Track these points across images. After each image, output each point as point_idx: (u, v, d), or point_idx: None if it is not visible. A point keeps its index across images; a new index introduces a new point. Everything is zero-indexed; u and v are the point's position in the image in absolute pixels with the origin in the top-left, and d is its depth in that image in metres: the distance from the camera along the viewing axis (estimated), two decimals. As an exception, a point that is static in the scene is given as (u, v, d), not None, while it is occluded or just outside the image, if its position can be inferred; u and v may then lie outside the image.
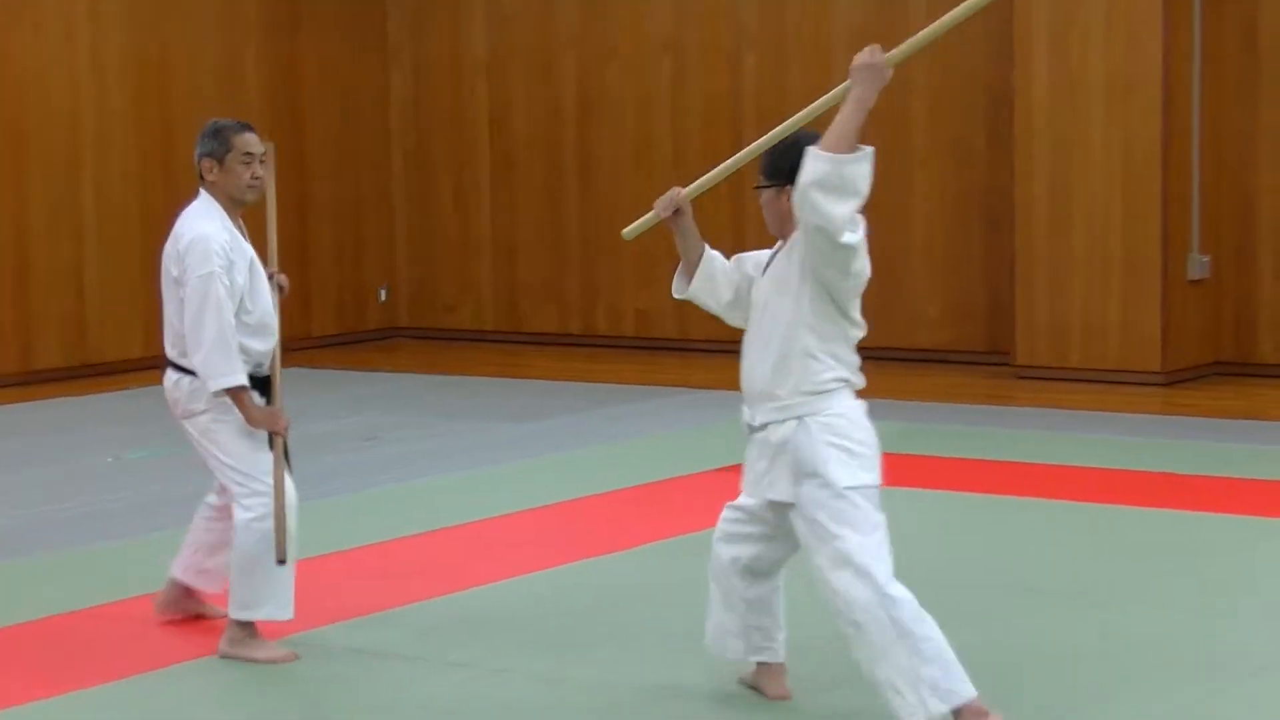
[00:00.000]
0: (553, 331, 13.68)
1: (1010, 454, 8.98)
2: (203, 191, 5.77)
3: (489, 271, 13.98)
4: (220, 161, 5.72)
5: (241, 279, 5.61)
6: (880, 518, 4.64)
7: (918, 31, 4.89)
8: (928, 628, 4.58)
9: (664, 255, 13.28)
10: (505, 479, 8.26)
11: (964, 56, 12.23)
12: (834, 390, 4.66)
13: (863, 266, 4.64)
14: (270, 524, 5.50)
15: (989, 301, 12.29)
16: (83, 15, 12.36)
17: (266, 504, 5.51)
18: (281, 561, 5.50)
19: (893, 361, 12.27)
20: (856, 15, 12.70)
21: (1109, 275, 11.39)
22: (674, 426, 9.73)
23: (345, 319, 13.98)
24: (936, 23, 4.88)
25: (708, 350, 12.73)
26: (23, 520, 7.45)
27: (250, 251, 5.72)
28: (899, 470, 8.49)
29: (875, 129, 13.37)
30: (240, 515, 5.53)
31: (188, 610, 5.95)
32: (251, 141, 5.73)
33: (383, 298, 14.24)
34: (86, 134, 12.43)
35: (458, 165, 14.27)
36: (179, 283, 5.58)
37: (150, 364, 12.53)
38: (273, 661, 5.41)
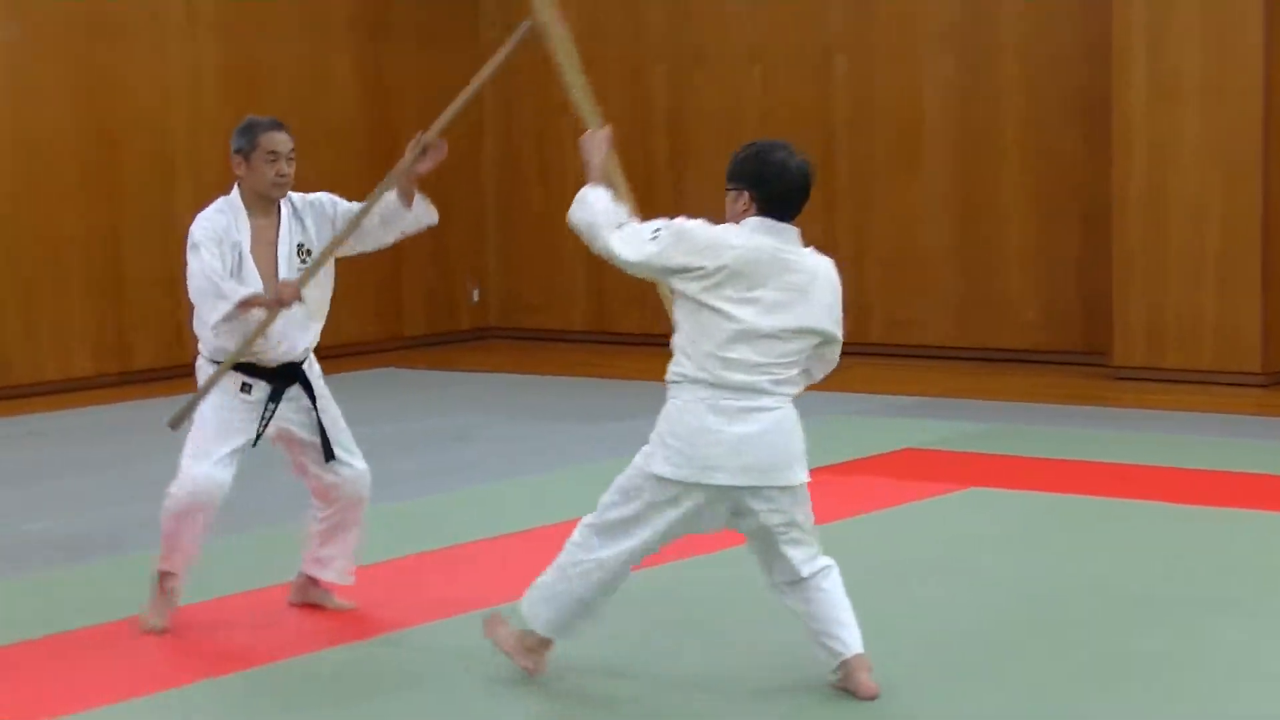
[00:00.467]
0: (640, 332, 13.67)
1: (1106, 455, 8.87)
2: (234, 187, 5.87)
3: (579, 273, 13.98)
4: (247, 158, 5.80)
5: (229, 263, 5.73)
6: (629, 509, 4.95)
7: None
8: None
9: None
10: (597, 477, 8.19)
11: (1058, 58, 12.13)
12: (675, 384, 4.93)
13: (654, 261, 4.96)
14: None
15: (1084, 302, 12.16)
16: (176, 24, 12.47)
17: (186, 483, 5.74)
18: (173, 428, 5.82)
19: (987, 361, 12.19)
20: (945, 17, 12.61)
21: (1206, 276, 11.24)
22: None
23: (437, 320, 14.03)
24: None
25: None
26: (127, 515, 7.53)
27: (244, 245, 5.77)
28: (993, 471, 8.50)
29: (968, 132, 13.25)
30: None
31: (311, 599, 6.06)
32: (278, 140, 5.82)
33: (475, 298, 14.30)
34: (178, 142, 12.54)
35: (547, 169, 14.29)
36: None
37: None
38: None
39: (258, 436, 5.86)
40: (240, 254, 5.77)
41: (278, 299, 5.71)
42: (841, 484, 8.19)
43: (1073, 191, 12.22)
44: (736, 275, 4.90)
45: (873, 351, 12.71)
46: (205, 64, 12.65)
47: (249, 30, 12.92)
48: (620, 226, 5.12)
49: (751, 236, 4.94)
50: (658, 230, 5.00)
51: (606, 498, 5.06)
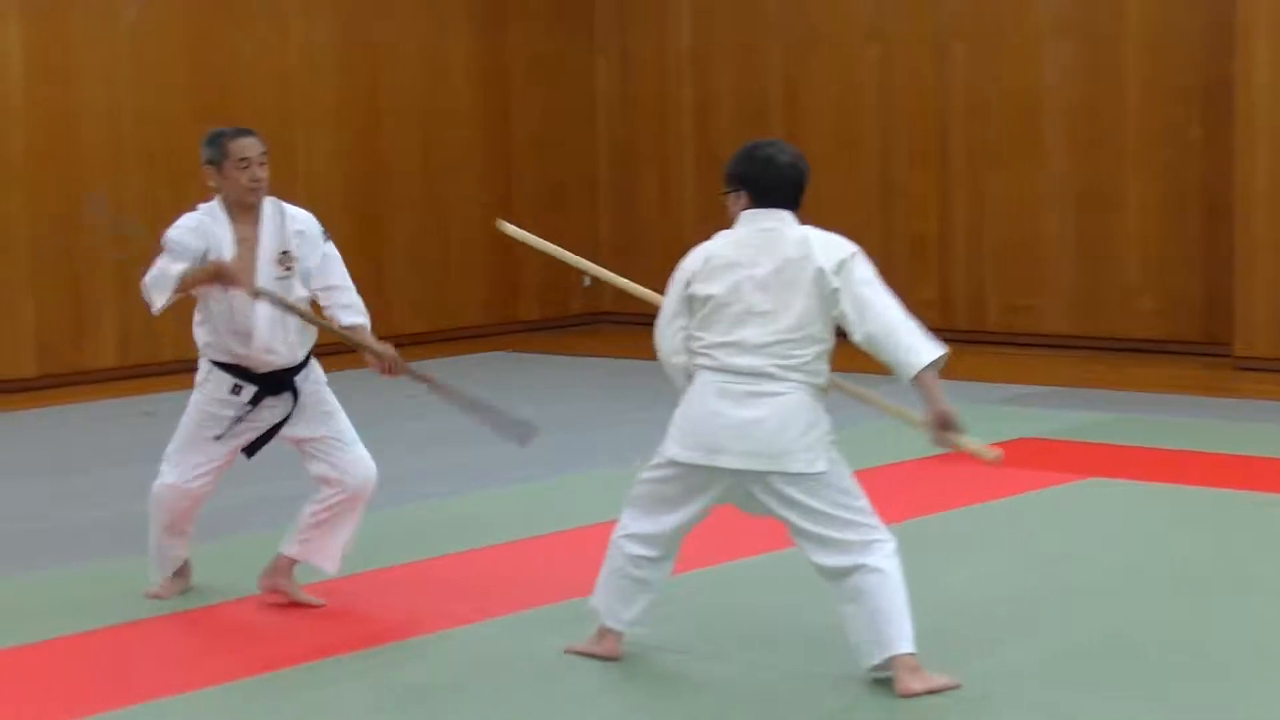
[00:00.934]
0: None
1: (1227, 446, 8.72)
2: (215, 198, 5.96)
3: (692, 260, 13.94)
4: (219, 168, 5.90)
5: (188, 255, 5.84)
6: (648, 476, 5.08)
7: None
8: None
9: (885, 252, 13.17)
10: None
11: (1179, 47, 11.94)
12: (692, 374, 5.02)
13: None
14: None
15: (1205, 291, 11.97)
16: (294, 10, 12.57)
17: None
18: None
19: (1105, 351, 12.04)
20: (1064, 3, 12.45)
21: (1332, 265, 11.05)
22: (875, 415, 9.64)
23: (550, 305, 14.06)
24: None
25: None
26: (230, 499, 7.58)
27: (224, 251, 5.85)
28: (1112, 461, 8.38)
29: (1087, 119, 13.07)
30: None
31: (280, 587, 5.96)
32: (247, 145, 5.91)
33: (587, 283, 14.30)
34: (296, 129, 12.63)
35: (662, 157, 14.26)
36: None
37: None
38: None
39: (252, 449, 5.95)
40: (208, 259, 5.84)
41: (233, 276, 5.76)
42: (957, 474, 8.11)
43: (1193, 179, 12.03)
44: (728, 263, 4.96)
45: (989, 340, 12.59)
46: (322, 46, 12.73)
47: (366, 13, 12.99)
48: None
49: (733, 230, 5.04)
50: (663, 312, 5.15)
51: (639, 476, 5.15)
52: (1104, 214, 12.37)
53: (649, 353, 5.34)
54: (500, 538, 6.92)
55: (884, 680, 4.94)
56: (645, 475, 5.14)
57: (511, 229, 6.02)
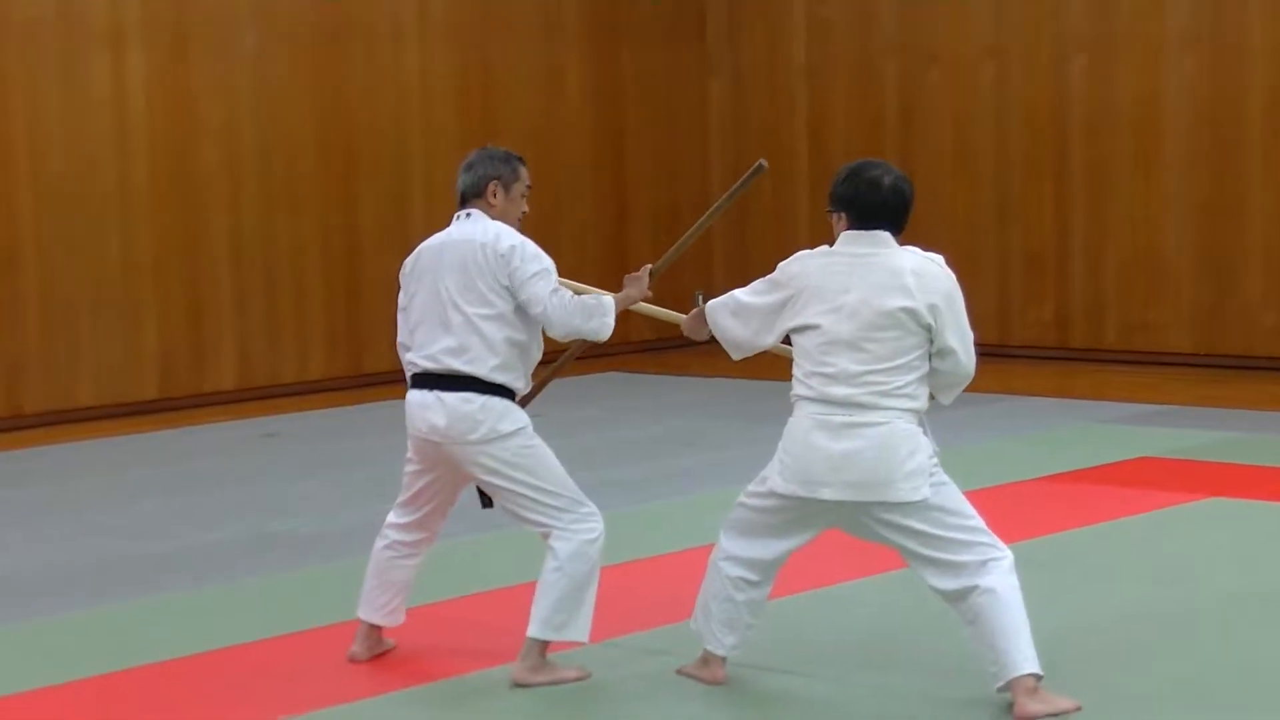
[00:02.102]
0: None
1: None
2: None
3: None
4: (507, 189, 5.57)
5: None
6: (750, 502, 5.08)
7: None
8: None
9: (1001, 269, 13.04)
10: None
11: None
12: (794, 402, 5.01)
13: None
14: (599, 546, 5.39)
15: (1332, 307, 11.77)
16: (410, 31, 12.68)
17: (600, 524, 5.39)
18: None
19: (1227, 369, 11.85)
20: (1187, 15, 12.28)
21: None
22: (992, 434, 9.56)
23: (662, 325, 14.01)
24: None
25: (1028, 356, 12.50)
26: (356, 519, 7.65)
27: None
28: (1234, 481, 8.24)
29: (1210, 133, 12.87)
30: (573, 540, 5.33)
31: (379, 649, 5.66)
32: (527, 175, 5.64)
33: (699, 301, 14.26)
34: (414, 148, 12.74)
35: (776, 173, 14.20)
36: (510, 289, 5.37)
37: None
38: (578, 680, 5.32)
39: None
40: None
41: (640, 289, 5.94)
42: (1076, 493, 8.04)
43: (1319, 193, 11.83)
44: (821, 290, 4.94)
45: (1108, 358, 12.44)
46: (439, 70, 12.83)
47: (482, 35, 13.08)
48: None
49: (830, 251, 5.01)
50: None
51: (739, 499, 5.15)
52: (1226, 228, 12.19)
53: (761, 372, 5.35)
54: (617, 558, 6.90)
55: (1006, 701, 4.88)
56: (746, 500, 5.12)
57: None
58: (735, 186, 5.77)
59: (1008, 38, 13.03)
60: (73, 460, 9.80)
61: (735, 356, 5.31)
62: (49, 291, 10.92)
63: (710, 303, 5.31)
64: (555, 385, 6.25)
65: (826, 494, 4.88)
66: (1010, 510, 7.37)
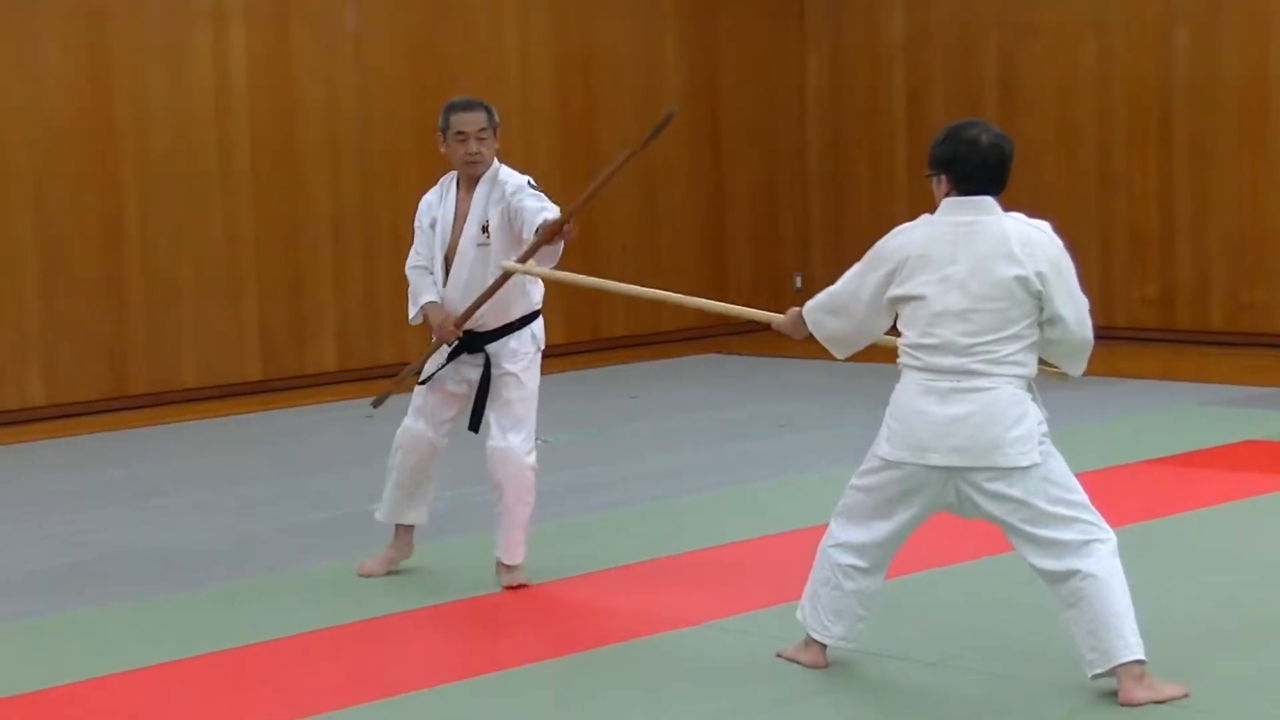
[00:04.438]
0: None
1: None
2: None
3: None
4: (444, 138, 6.23)
5: (428, 234, 6.25)
6: (859, 483, 5.02)
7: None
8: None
9: (1103, 247, 12.90)
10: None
11: None
12: (901, 369, 4.97)
13: None
14: None
15: None
16: (510, 10, 12.70)
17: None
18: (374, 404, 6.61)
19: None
20: (1296, -14, 12.09)
21: None
22: (1094, 416, 9.47)
23: (759, 303, 13.94)
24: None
25: (1131, 338, 12.37)
26: (459, 499, 7.70)
27: (449, 216, 6.22)
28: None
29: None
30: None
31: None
32: (466, 120, 6.17)
33: (798, 285, 14.25)
34: (513, 127, 12.75)
35: (874, 150, 14.15)
36: None
37: (573, 349, 12.84)
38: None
39: (428, 376, 6.27)
40: (438, 232, 6.22)
41: (438, 333, 6.20)
42: (1179, 476, 7.95)
43: None
44: (925, 260, 4.87)
45: (1213, 340, 12.28)
46: (537, 46, 12.85)
47: (580, 11, 13.09)
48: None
49: (932, 220, 4.93)
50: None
51: (849, 483, 5.09)
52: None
53: (860, 355, 5.29)
54: (715, 540, 6.93)
55: (1108, 688, 4.84)
56: (856, 482, 5.08)
57: (519, 266, 6.04)
58: (647, 135, 5.94)
59: (1111, 10, 12.86)
60: (177, 440, 9.93)
61: (841, 355, 5.21)
62: (152, 272, 11.05)
63: (807, 305, 5.22)
64: (651, 367, 6.26)
65: (935, 459, 4.83)
66: (1111, 494, 7.27)
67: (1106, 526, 4.87)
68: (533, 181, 6.21)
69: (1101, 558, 4.79)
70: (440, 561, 6.64)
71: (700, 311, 6.84)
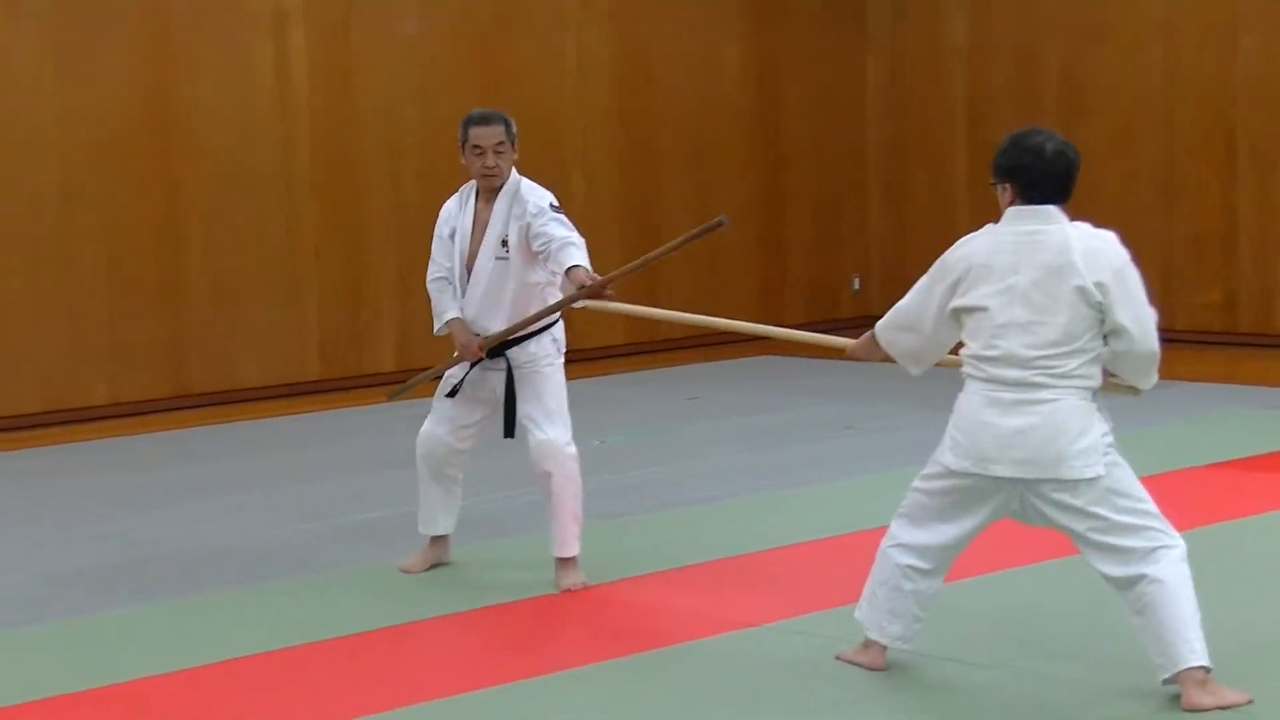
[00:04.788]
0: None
1: None
2: None
3: (966, 262, 13.75)
4: (462, 151, 6.35)
5: (448, 243, 6.38)
6: (922, 486, 5.01)
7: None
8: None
9: (1166, 252, 12.81)
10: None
11: None
12: (965, 378, 4.95)
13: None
14: None
15: None
16: (570, 14, 12.72)
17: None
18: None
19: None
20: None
21: None
22: (1155, 420, 9.39)
23: (817, 308, 14.00)
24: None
25: (1191, 341, 12.27)
26: (515, 501, 7.71)
27: (467, 226, 6.35)
28: None
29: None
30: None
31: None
32: (481, 135, 6.30)
33: (855, 287, 14.21)
34: (572, 133, 12.78)
35: (935, 155, 14.09)
36: None
37: (632, 350, 12.85)
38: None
39: (507, 429, 6.34)
40: (457, 241, 6.34)
41: (461, 349, 6.33)
42: (1241, 480, 7.88)
43: None
44: (989, 271, 4.84)
45: (1275, 344, 12.17)
46: (597, 50, 12.86)
47: (640, 15, 13.09)
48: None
49: (995, 230, 4.90)
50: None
51: (912, 485, 5.07)
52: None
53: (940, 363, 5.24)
54: (777, 541, 6.90)
55: (1171, 693, 4.79)
56: (919, 484, 5.06)
57: (596, 304, 6.10)
58: (690, 234, 6.09)
59: (1176, 14, 12.76)
60: (236, 440, 9.98)
61: (916, 370, 5.15)
62: (213, 273, 11.12)
63: (878, 324, 5.19)
64: (711, 368, 6.25)
65: (998, 470, 4.80)
66: (1172, 498, 7.21)
67: (1175, 533, 4.83)
68: (555, 202, 6.29)
69: (1169, 564, 4.75)
70: (493, 562, 6.65)
71: (756, 312, 6.87)
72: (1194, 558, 4.93)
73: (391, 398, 6.99)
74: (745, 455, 8.90)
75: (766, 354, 12.83)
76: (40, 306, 10.50)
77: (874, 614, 5.12)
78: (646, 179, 13.18)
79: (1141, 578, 4.74)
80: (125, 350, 10.79)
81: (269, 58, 11.29)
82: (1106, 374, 4.90)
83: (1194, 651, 4.72)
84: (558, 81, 12.65)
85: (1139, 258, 4.91)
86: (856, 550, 6.49)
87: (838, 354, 5.54)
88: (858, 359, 5.31)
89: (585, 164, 12.82)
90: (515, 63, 12.42)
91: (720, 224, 6.02)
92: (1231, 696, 4.75)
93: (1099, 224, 4.92)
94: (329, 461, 9.14)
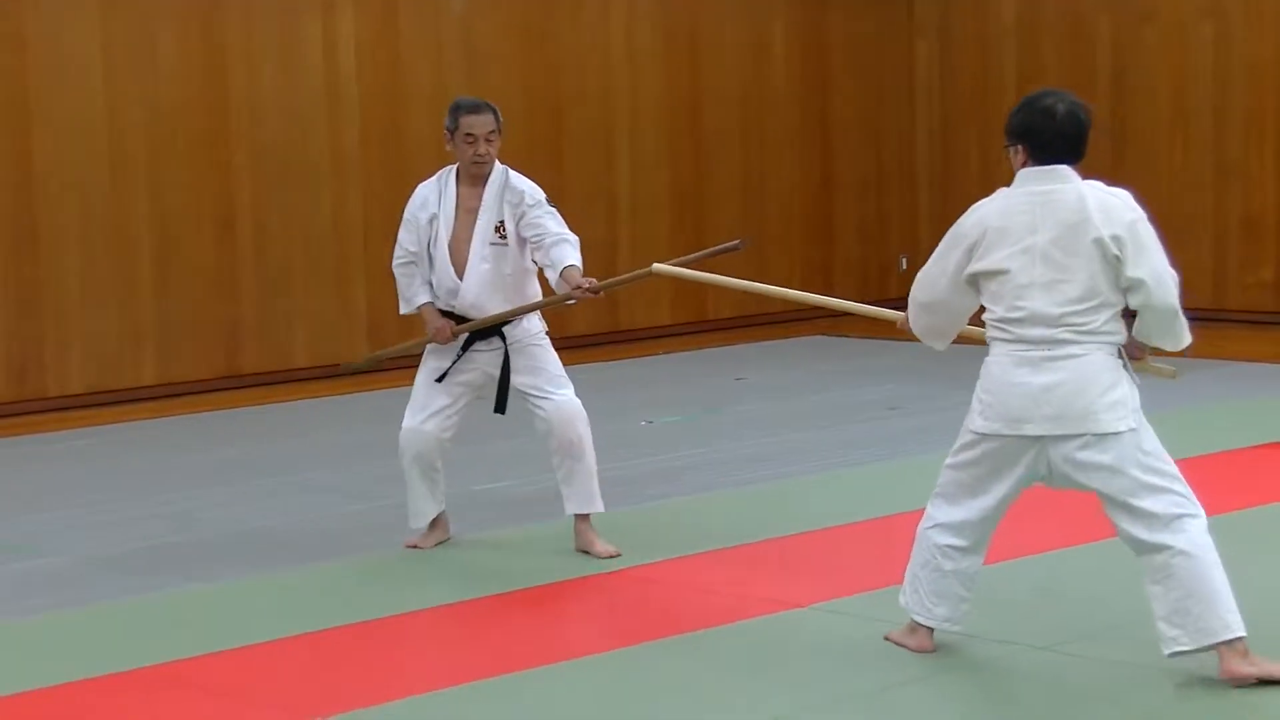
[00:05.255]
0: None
1: None
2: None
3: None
4: (451, 137, 6.40)
5: (424, 229, 6.47)
6: (953, 460, 5.00)
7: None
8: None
9: (1218, 232, 12.73)
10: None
11: None
12: (990, 341, 4.93)
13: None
14: None
15: None
16: (619, -2, 12.72)
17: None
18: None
19: None
20: None
21: None
22: (1206, 400, 9.33)
23: (867, 289, 13.94)
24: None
25: (1242, 320, 12.18)
26: (545, 487, 7.71)
27: (448, 211, 6.43)
28: None
29: None
30: None
31: (581, 546, 6.42)
32: (475, 123, 6.36)
33: (903, 266, 14.17)
34: (620, 116, 12.77)
35: (983, 137, 14.00)
36: None
37: (678, 330, 12.84)
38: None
39: (499, 404, 6.44)
40: (437, 226, 6.42)
41: (432, 334, 6.45)
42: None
43: None
44: (1005, 232, 4.82)
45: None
46: (645, 33, 12.84)
47: (688, 2, 13.05)
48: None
49: (1008, 192, 4.89)
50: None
51: (944, 463, 5.05)
52: None
53: (969, 336, 5.23)
54: (823, 523, 6.90)
55: (1212, 678, 4.77)
56: (950, 460, 5.05)
57: (667, 269, 6.28)
58: (706, 251, 6.34)
59: (1228, -6, 12.66)
60: (287, 420, 10.02)
61: (940, 346, 5.15)
62: (263, 255, 11.17)
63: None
64: (758, 348, 6.27)
65: (1029, 429, 4.79)
66: (1223, 478, 7.20)
67: (1196, 501, 4.81)
68: (546, 196, 6.47)
69: (1193, 534, 4.74)
70: (536, 545, 6.65)
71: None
72: (1235, 537, 4.93)
73: (346, 369, 7.37)
74: (791, 436, 8.89)
75: (814, 334, 12.80)
76: (92, 288, 10.57)
77: (918, 598, 5.11)
78: (695, 163, 13.16)
79: (1167, 547, 4.72)
80: (176, 331, 10.85)
81: (318, 41, 11.32)
82: (1139, 351, 4.87)
83: (1226, 625, 4.70)
84: (605, 64, 12.64)
85: (1192, 237, 4.88)
86: (902, 531, 6.46)
87: (889, 327, 5.53)
88: (908, 331, 5.28)
89: (634, 145, 12.81)
90: (563, 46, 12.42)
91: (737, 247, 6.30)
92: (1273, 668, 4.73)
93: (1151, 203, 4.89)
94: (377, 442, 9.15)
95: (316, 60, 11.32)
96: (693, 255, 6.35)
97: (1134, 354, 4.90)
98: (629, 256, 12.43)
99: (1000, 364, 4.86)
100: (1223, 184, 12.76)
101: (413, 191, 6.65)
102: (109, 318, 10.62)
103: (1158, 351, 4.94)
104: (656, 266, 6.29)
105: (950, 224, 5.05)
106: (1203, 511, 4.80)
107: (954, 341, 5.17)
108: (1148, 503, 4.75)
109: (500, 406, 6.45)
